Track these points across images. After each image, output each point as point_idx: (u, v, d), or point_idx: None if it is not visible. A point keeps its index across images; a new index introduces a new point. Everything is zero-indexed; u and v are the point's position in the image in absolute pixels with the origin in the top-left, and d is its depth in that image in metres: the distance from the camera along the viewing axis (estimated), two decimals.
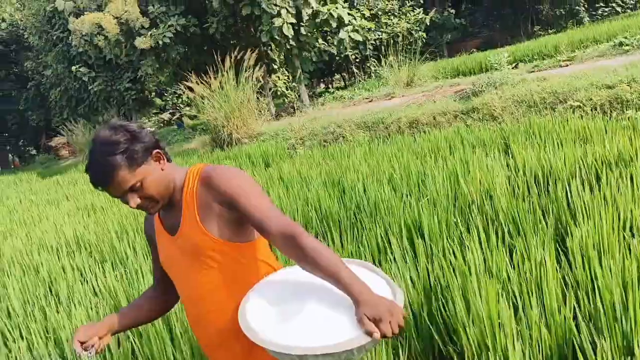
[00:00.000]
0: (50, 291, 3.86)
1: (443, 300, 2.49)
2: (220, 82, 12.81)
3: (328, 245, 3.35)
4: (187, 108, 13.94)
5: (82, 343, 1.65)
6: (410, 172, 4.53)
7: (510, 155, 4.67)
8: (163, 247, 1.66)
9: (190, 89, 13.21)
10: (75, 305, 3.43)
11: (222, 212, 1.52)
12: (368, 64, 20.53)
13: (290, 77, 16.81)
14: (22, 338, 3.12)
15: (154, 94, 25.59)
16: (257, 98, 13.67)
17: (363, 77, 19.48)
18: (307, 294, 1.41)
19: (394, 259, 2.81)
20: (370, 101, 13.41)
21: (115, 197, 1.50)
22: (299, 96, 16.88)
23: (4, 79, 31.16)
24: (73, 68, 21.00)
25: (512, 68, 11.16)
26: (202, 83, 12.92)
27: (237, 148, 11.73)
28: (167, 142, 17.59)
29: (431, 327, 2.41)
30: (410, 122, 8.85)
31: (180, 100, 24.06)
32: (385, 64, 15.08)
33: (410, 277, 2.72)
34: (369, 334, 1.24)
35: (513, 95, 7.92)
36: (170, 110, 14.76)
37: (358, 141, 9.10)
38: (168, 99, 27.15)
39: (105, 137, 1.45)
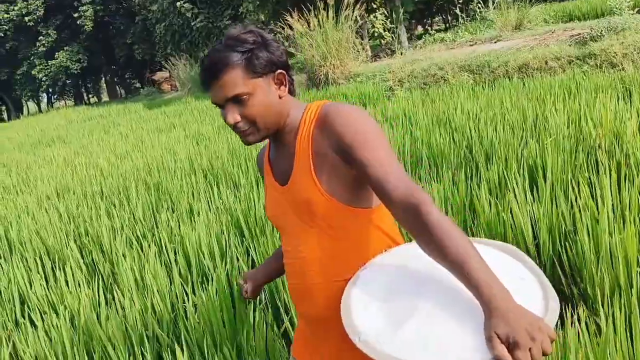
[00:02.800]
0: (173, 208, 4.13)
1: (569, 241, 2.44)
2: (319, 20, 12.72)
3: (440, 183, 3.34)
4: (285, 45, 14.04)
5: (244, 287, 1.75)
6: (526, 114, 4.36)
7: (631, 104, 4.36)
8: (270, 196, 1.44)
9: (290, 27, 13.21)
10: (194, 219, 3.65)
11: (337, 164, 1.25)
12: (472, 6, 19.55)
13: (389, 18, 16.33)
14: (154, 244, 3.39)
15: None
16: (355, 38, 13.49)
17: (466, 19, 18.62)
18: (426, 287, 1.11)
19: (515, 198, 2.76)
20: (473, 44, 12.83)
21: (216, 103, 1.29)
22: (398, 37, 16.45)
23: (114, 13, 32.63)
24: (177, 4, 21.59)
25: (634, 13, 10.26)
26: (301, 20, 12.89)
27: (334, 88, 11.72)
28: None
29: (555, 268, 2.38)
30: (519, 67, 8.44)
31: (277, 38, 24.18)
32: (492, 5, 14.31)
33: (534, 217, 2.67)
34: None
35: (635, 42, 7.33)
36: None
37: (461, 84, 8.82)
38: None
39: (235, 33, 1.28)
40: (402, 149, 4.18)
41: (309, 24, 12.80)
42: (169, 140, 8.09)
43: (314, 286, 1.35)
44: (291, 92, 1.35)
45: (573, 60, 7.58)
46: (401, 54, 14.24)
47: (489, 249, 1.19)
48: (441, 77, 9.92)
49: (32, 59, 32.31)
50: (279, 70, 1.29)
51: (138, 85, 39.76)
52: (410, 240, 1.27)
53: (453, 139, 4.19)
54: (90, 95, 39.99)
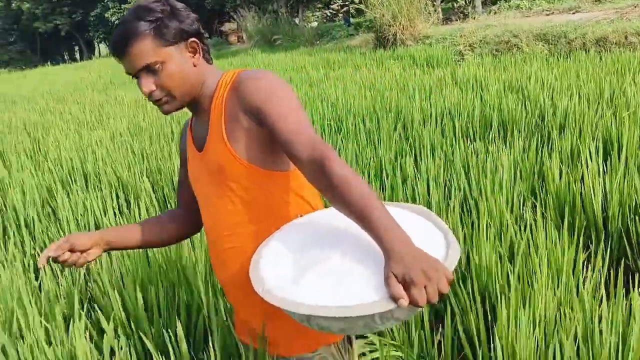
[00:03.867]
0: None
1: (639, 215, 2.41)
2: None
3: (510, 149, 3.31)
4: (356, 2, 13.83)
5: (54, 258, 1.39)
6: (603, 87, 4.22)
7: None
8: (191, 163, 1.43)
9: None
10: None
11: (251, 127, 1.25)
12: None
13: None
14: None
15: None
16: None
17: None
18: (336, 242, 1.12)
19: (587, 167, 2.73)
20: (550, 14, 12.33)
21: (130, 74, 1.28)
22: (472, 1, 15.92)
23: None
24: None
25: None
26: None
27: (402, 49, 11.54)
28: (331, 37, 17.74)
29: (622, 240, 2.36)
30: (597, 39, 8.07)
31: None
32: None
33: (604, 189, 2.64)
34: (395, 299, 0.93)
35: None
36: (340, 3, 14.72)
37: (535, 53, 8.52)
38: None
39: (143, 3, 1.26)
40: (471, 112, 4.14)
41: None
42: None
43: (231, 252, 1.35)
44: (207, 60, 1.34)
45: None
46: (474, 18, 13.83)
47: (401, 210, 1.20)
48: (514, 45, 9.60)
49: (105, 1, 33.15)
50: (192, 39, 1.28)
51: (206, 35, 40.15)
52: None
53: (525, 106, 4.12)
54: None
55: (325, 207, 1.38)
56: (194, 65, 1.30)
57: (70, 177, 4.44)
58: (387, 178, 3.12)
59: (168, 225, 1.58)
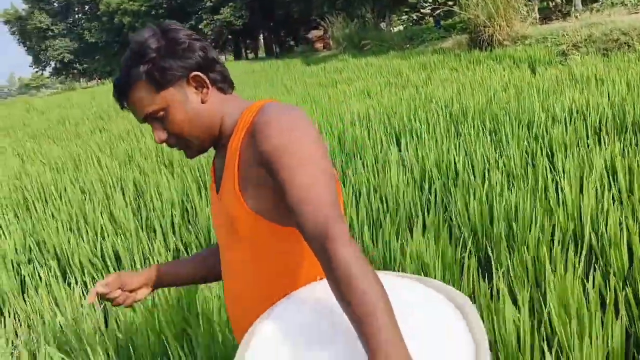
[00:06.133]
0: (359, 155, 4.29)
1: None
2: None
3: None
4: (449, 4, 13.64)
5: (103, 295, 1.35)
6: None
7: None
8: (211, 203, 1.29)
9: None
10: (380, 168, 3.77)
11: (262, 177, 1.08)
12: None
13: None
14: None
15: None
16: None
17: None
18: (337, 336, 0.96)
19: None
20: None
21: (142, 123, 1.17)
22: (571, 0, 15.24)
23: None
24: None
25: None
26: None
27: (500, 50, 11.24)
28: (421, 40, 17.56)
29: None
30: None
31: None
32: None
33: None
34: None
35: None
36: (431, 6, 14.55)
37: None
38: None
39: (137, 41, 1.12)
40: (602, 112, 3.94)
41: None
42: (335, 94, 8.33)
43: (238, 305, 1.24)
44: (222, 89, 1.17)
45: None
46: (576, 17, 13.23)
47: (430, 296, 1.00)
48: (624, 43, 9.09)
49: (199, 13, 34.70)
50: (193, 73, 1.12)
51: (292, 43, 41.09)
52: None
53: None
54: (248, 51, 42.18)
55: None
56: (203, 102, 1.14)
57: None
58: (513, 179, 3.05)
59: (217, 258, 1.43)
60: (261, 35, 40.23)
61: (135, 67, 1.09)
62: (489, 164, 3.39)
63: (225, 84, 1.17)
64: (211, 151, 1.24)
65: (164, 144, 1.17)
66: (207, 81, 1.13)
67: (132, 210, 3.88)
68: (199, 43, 1.14)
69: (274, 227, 1.12)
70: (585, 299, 1.96)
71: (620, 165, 2.85)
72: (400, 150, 4.14)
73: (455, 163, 3.47)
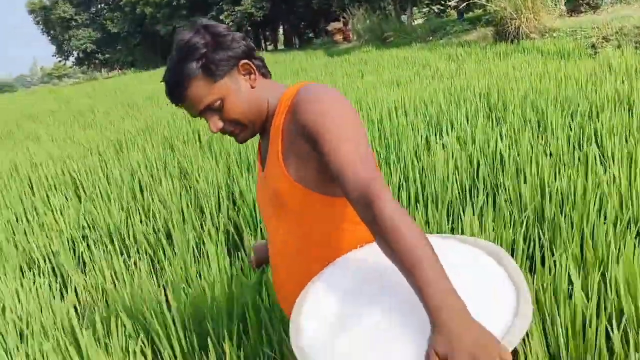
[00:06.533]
0: (399, 142, 4.33)
1: None
2: None
3: None
4: None
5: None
6: None
7: None
8: (257, 182, 1.40)
9: None
10: (423, 154, 3.80)
11: (306, 151, 1.16)
12: None
13: None
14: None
15: None
16: None
17: None
18: (383, 293, 1.01)
19: None
20: None
21: (196, 117, 1.24)
22: None
23: None
24: None
25: None
26: None
27: (528, 42, 11.16)
28: (445, 33, 17.47)
29: None
30: None
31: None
32: None
33: None
34: None
35: None
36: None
37: None
38: None
39: (183, 40, 1.18)
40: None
41: None
42: (364, 86, 8.36)
43: (283, 277, 1.33)
44: (264, 75, 1.27)
45: None
46: (606, 9, 13.09)
47: (467, 249, 1.06)
48: None
49: (220, 4, 34.77)
50: (242, 61, 1.21)
51: (311, 35, 41.03)
52: None
53: None
54: (267, 43, 42.25)
55: None
56: (252, 87, 1.23)
57: None
58: (563, 165, 3.07)
59: None
60: (281, 27, 40.27)
61: (188, 64, 1.16)
62: (534, 150, 3.41)
63: (265, 70, 1.28)
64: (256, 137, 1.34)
65: (218, 132, 1.24)
66: (254, 68, 1.23)
67: (179, 192, 3.96)
68: (238, 34, 1.23)
69: (317, 197, 1.21)
70: None
71: None
72: (442, 138, 4.17)
73: (500, 149, 3.50)
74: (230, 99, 1.19)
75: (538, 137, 3.69)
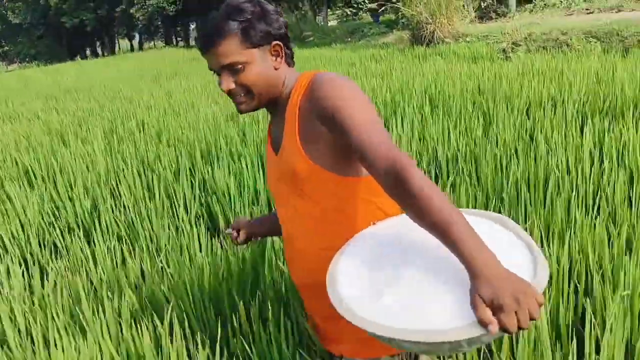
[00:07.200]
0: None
1: None
2: None
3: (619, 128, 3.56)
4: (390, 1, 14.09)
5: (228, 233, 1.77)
6: None
7: None
8: (268, 164, 1.48)
9: None
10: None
11: (322, 131, 1.25)
12: None
13: None
14: None
15: None
16: None
17: None
18: (414, 255, 1.10)
19: None
20: (590, 12, 12.58)
21: (212, 69, 1.32)
22: (505, 0, 16.15)
23: None
24: None
25: None
26: None
27: (443, 46, 11.79)
28: (363, 34, 18.02)
29: None
30: None
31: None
32: None
33: None
34: (484, 324, 0.89)
35: None
36: (379, 2, 15.04)
37: (586, 50, 8.77)
38: None
39: (234, 2, 1.28)
40: (577, 99, 4.40)
41: None
42: None
43: (301, 253, 1.42)
44: (288, 63, 1.36)
45: None
46: (512, 17, 14.08)
47: (479, 218, 1.17)
48: (563, 42, 9.86)
49: None
50: (276, 42, 1.31)
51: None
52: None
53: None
54: (179, 39, 41.21)
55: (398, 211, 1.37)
56: (275, 69, 1.32)
57: None
58: (513, 152, 3.42)
59: None
60: (194, 23, 39.48)
61: (232, 22, 1.25)
62: (486, 140, 3.75)
63: (291, 60, 1.38)
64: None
65: (224, 92, 1.32)
66: (283, 53, 1.33)
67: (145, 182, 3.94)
68: (282, 19, 1.34)
69: (334, 177, 1.29)
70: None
71: (610, 141, 3.29)
72: (397, 128, 4.43)
73: (452, 139, 3.80)
74: (252, 67, 1.28)
75: (486, 128, 4.03)
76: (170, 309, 2.06)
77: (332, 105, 1.19)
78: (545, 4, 15.22)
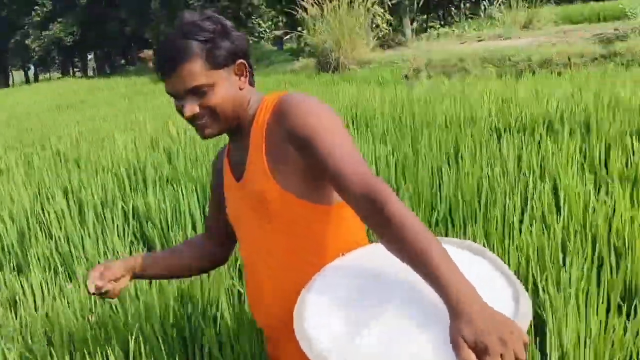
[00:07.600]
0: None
1: None
2: (334, 6, 13.15)
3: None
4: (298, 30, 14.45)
5: (99, 288, 1.38)
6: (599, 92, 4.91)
7: None
8: (228, 194, 1.36)
9: (305, 10, 13.58)
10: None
11: (292, 156, 1.18)
12: (472, 2, 20.30)
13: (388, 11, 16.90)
14: None
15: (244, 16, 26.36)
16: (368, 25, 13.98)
17: (467, 15, 19.34)
18: (389, 290, 1.03)
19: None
20: (480, 40, 13.56)
21: (172, 94, 1.22)
22: (400, 30, 17.02)
23: None
24: None
25: None
26: (315, 4, 13.30)
27: (350, 72, 12.15)
28: (270, 62, 18.22)
29: None
30: (542, 62, 9.09)
31: (274, 23, 24.70)
32: (496, 3, 15.11)
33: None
34: None
35: None
36: (283, 30, 15.36)
37: (484, 75, 9.43)
38: (258, 21, 27.95)
39: (192, 19, 1.20)
40: (487, 117, 4.72)
41: (322, 8, 13.24)
42: None
43: (268, 282, 1.29)
44: (251, 83, 1.29)
45: (598, 58, 8.25)
46: (404, 46, 14.86)
47: (454, 248, 1.10)
48: (462, 68, 10.53)
49: (26, 28, 31.98)
50: (240, 60, 1.24)
51: (123, 62, 39.53)
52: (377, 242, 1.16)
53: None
54: (76, 69, 39.60)
55: (370, 241, 1.33)
56: (240, 89, 1.25)
57: None
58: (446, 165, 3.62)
59: (197, 251, 1.55)
60: (92, 53, 38.16)
61: (194, 42, 1.16)
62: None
63: (252, 78, 1.30)
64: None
65: (185, 118, 1.22)
66: (247, 71, 1.26)
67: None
68: (242, 33, 1.26)
69: (304, 204, 1.22)
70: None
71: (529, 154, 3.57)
72: None
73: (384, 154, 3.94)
74: (218, 89, 1.19)
75: (413, 145, 4.20)
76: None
77: (303, 128, 1.14)
78: (438, 34, 16.25)
